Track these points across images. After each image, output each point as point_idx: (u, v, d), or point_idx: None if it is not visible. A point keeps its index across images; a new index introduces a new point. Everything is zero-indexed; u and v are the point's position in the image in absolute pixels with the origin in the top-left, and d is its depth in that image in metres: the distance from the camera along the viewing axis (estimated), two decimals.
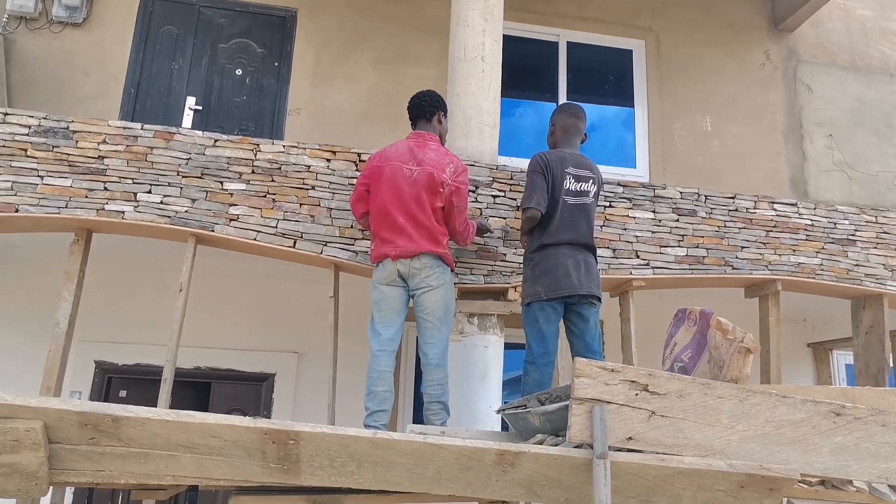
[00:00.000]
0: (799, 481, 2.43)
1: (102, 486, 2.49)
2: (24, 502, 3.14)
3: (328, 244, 3.62)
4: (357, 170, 3.75)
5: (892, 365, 4.46)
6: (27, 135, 3.47)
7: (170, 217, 3.50)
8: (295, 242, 3.59)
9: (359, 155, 3.78)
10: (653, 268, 3.97)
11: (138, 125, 3.59)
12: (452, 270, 3.40)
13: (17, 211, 3.36)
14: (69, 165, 3.46)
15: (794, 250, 4.25)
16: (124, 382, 5.14)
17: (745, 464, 2.27)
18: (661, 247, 4.01)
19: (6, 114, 3.50)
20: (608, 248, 3.94)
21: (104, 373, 5.11)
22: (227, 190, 3.59)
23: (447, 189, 3.30)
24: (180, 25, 6.07)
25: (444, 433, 2.66)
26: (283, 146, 3.71)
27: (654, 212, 4.06)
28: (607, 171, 5.02)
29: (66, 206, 3.41)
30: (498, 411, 2.93)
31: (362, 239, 3.67)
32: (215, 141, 3.64)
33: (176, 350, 3.46)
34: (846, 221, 4.40)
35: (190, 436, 2.09)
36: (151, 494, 2.67)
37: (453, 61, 4.17)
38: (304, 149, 3.73)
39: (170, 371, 3.42)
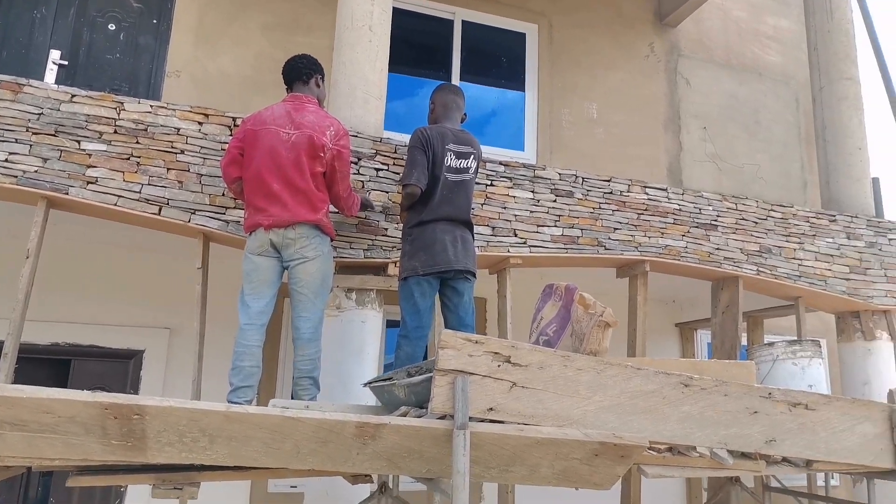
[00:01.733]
0: (648, 448, 2.57)
1: None
2: None
3: (197, 212, 3.43)
4: (231, 134, 3.57)
5: (743, 343, 4.81)
6: None
7: (16, 177, 3.19)
8: (160, 209, 3.37)
9: (234, 119, 3.60)
10: (530, 246, 4.05)
11: None
12: (332, 240, 3.31)
13: None
14: None
15: (662, 233, 4.48)
16: None
17: (598, 433, 2.36)
18: (538, 226, 4.10)
19: None
20: (488, 225, 3.99)
21: None
22: (84, 150, 3.31)
23: (328, 154, 3.18)
24: None
25: (308, 408, 2.60)
26: (151, 106, 3.46)
27: (533, 192, 4.14)
28: (497, 154, 5.09)
29: None
30: (365, 385, 2.90)
31: (234, 208, 3.50)
32: (72, 96, 3.34)
33: (20, 323, 3.17)
34: (710, 207, 4.68)
35: (18, 412, 1.92)
36: None
37: (340, 29, 4.05)
38: (174, 110, 3.50)
39: (12, 345, 3.13)
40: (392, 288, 3.67)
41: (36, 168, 3.22)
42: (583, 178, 4.34)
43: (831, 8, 5.75)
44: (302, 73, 3.39)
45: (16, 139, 3.23)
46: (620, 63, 7.18)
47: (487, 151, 4.05)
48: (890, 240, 5.24)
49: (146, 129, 3.43)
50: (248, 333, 3.05)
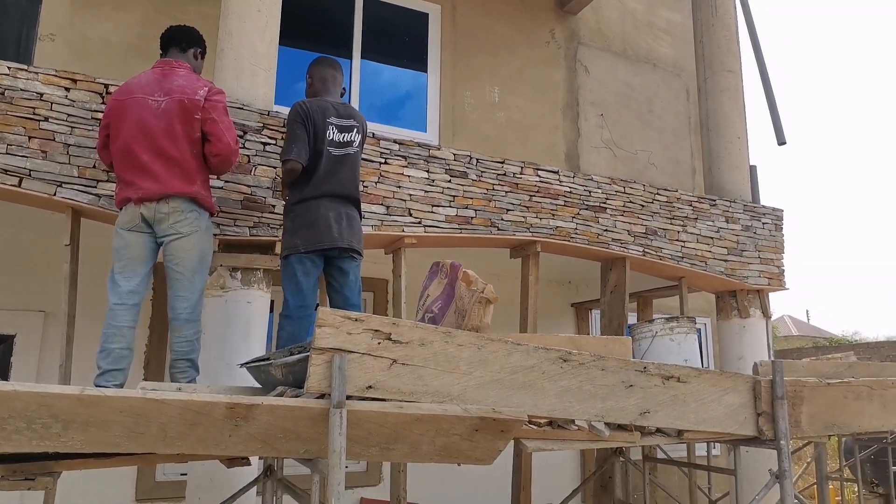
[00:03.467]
0: (528, 423, 2.62)
1: None
2: None
3: (63, 185, 3.18)
4: (103, 102, 3.33)
5: (629, 323, 5.01)
6: None
7: None
8: (21, 181, 3.10)
9: (106, 86, 3.36)
10: (424, 226, 4.04)
11: None
12: (212, 215, 3.15)
13: None
14: None
15: (553, 214, 4.58)
16: None
17: (478, 408, 2.38)
18: (433, 206, 4.10)
19: None
20: (382, 204, 3.94)
21: None
22: None
23: (203, 113, 2.99)
24: None
25: (180, 390, 2.48)
26: (9, 68, 3.17)
27: (428, 171, 4.13)
28: (398, 134, 5.03)
29: None
30: (241, 365, 2.80)
31: (107, 181, 3.28)
32: None
33: None
34: (599, 190, 4.83)
35: None
36: None
37: None
38: (37, 74, 3.22)
39: None
40: (279, 268, 3.57)
41: None
42: (477, 160, 4.37)
43: (716, 3, 6.04)
44: (181, 40, 3.23)
45: None
46: (522, 48, 7.27)
47: (387, 131, 4.00)
48: (764, 224, 5.60)
49: (3, 93, 3.14)
50: (118, 314, 2.86)
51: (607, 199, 4.85)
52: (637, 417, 2.83)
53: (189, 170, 2.98)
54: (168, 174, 2.93)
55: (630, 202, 4.95)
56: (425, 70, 6.78)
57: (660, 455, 5.47)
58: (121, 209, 2.99)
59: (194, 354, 2.97)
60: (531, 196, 4.51)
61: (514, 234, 4.39)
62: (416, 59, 6.82)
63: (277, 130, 3.66)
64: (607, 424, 2.81)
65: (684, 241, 5.17)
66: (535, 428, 2.67)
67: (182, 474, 4.82)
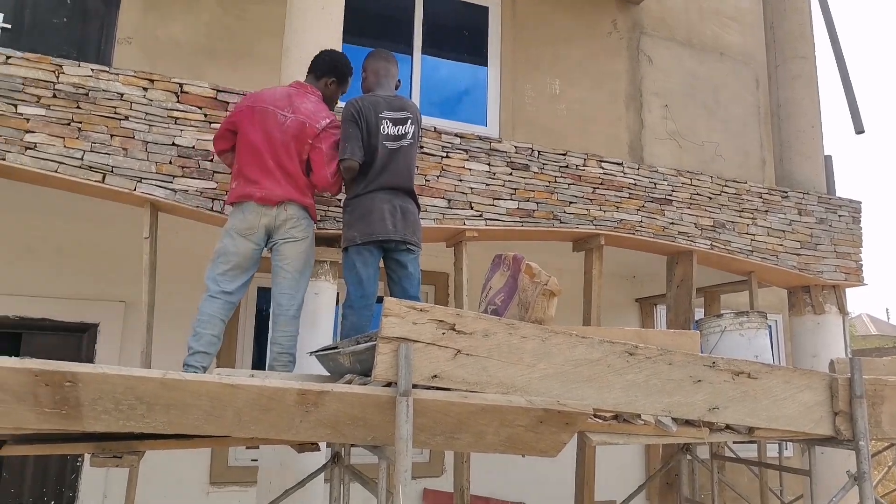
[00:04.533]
0: (593, 416, 2.60)
1: None
2: None
3: (143, 180, 3.34)
4: (178, 101, 3.47)
5: (696, 318, 4.90)
6: None
7: None
8: (104, 177, 3.27)
9: (180, 85, 3.50)
10: (485, 219, 4.05)
11: None
12: (315, 223, 3.34)
13: None
14: None
15: (617, 207, 4.51)
16: None
17: (543, 400, 2.38)
18: (494, 199, 4.10)
19: None
20: (443, 198, 3.97)
21: None
22: (21, 114, 3.18)
23: (316, 139, 3.22)
24: None
25: (253, 376, 2.57)
26: (92, 70, 3.34)
27: (489, 164, 4.13)
28: (459, 128, 5.05)
29: None
30: (311, 353, 2.88)
31: (183, 177, 3.42)
32: (7, 58, 3.20)
33: None
34: (665, 182, 4.72)
35: None
36: None
37: None
38: (118, 75, 3.39)
39: None
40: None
41: None
42: (539, 152, 4.34)
43: None
44: (318, 68, 3.44)
45: None
46: (583, 39, 7.17)
47: (448, 125, 4.02)
48: (840, 216, 5.36)
49: (87, 94, 3.31)
50: (215, 304, 3.03)
51: (673, 191, 4.74)
52: (705, 413, 2.77)
53: (301, 184, 3.20)
54: (286, 183, 3.13)
55: (697, 194, 4.82)
56: (485, 64, 6.78)
57: (728, 454, 5.32)
58: (234, 204, 3.15)
59: (295, 349, 3.13)
60: (595, 188, 4.46)
61: (577, 227, 4.35)
62: (476, 52, 6.83)
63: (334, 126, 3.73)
64: (674, 420, 2.75)
65: (754, 235, 5.00)
66: (601, 421, 2.64)
67: (253, 460, 4.99)
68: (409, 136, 3.32)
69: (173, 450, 2.65)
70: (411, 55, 6.40)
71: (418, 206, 3.37)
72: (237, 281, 3.09)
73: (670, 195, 4.73)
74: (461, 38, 6.85)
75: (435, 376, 2.28)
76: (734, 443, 5.36)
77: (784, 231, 5.12)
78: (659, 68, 7.58)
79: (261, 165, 3.13)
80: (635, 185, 4.61)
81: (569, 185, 4.37)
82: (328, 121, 3.28)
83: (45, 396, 1.98)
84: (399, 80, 3.54)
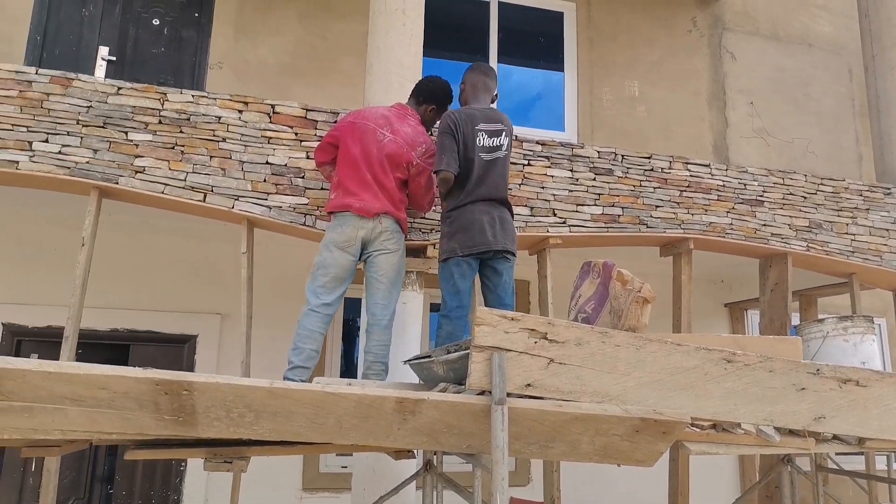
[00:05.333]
0: (691, 425, 2.54)
1: None
2: None
3: (240, 198, 3.52)
4: (271, 121, 3.64)
5: (794, 323, 4.69)
6: None
7: (69, 168, 3.33)
8: (205, 196, 3.47)
9: (272, 106, 3.67)
10: (569, 226, 4.02)
11: (32, 69, 3.37)
12: (405, 237, 3.45)
13: None
14: None
15: (706, 210, 4.38)
16: (34, 345, 4.93)
17: (639, 409, 2.35)
18: (577, 205, 4.07)
19: None
20: (526, 206, 3.97)
21: (13, 335, 4.89)
22: (132, 140, 3.43)
23: (413, 170, 3.36)
24: None
25: (349, 384, 2.65)
26: (193, 96, 3.56)
27: (571, 170, 4.11)
28: (537, 135, 5.05)
29: None
30: (405, 362, 2.94)
31: (277, 194, 3.58)
32: (118, 89, 3.46)
33: (79, 308, 3.32)
34: (755, 183, 4.55)
35: (75, 388, 2.01)
36: (42, 452, 2.57)
37: (374, 14, 4.07)
38: (215, 99, 3.59)
39: (72, 329, 3.28)
40: (431, 270, 3.70)
41: (87, 159, 3.36)
42: (622, 156, 4.28)
43: None
44: (420, 94, 3.56)
45: (67, 132, 3.37)
46: (661, 39, 7.02)
47: (526, 132, 4.03)
48: None
49: (189, 119, 3.52)
50: (314, 318, 3.15)
51: (764, 191, 4.56)
52: (811, 423, 2.65)
53: (396, 199, 3.33)
54: (383, 196, 3.27)
55: (790, 194, 4.63)
56: (561, 69, 6.74)
57: (831, 465, 5.05)
58: (331, 213, 3.29)
59: (388, 358, 3.23)
60: (681, 191, 4.35)
61: (665, 232, 4.25)
62: (551, 58, 6.80)
63: None
64: (777, 429, 2.65)
65: (854, 234, 4.75)
66: (699, 431, 2.58)
67: (343, 467, 5.13)
68: (504, 147, 3.37)
69: (269, 456, 2.77)
70: (487, 63, 6.43)
71: (512, 214, 3.40)
72: (335, 292, 3.22)
73: (761, 196, 4.56)
74: (536, 44, 6.84)
75: (528, 385, 2.29)
76: (836, 454, 5.08)
77: (888, 230, 4.83)
78: (743, 64, 7.32)
79: (359, 179, 3.25)
80: (724, 186, 4.47)
81: (654, 188, 4.29)
82: (423, 148, 3.40)
83: (164, 404, 2.11)
84: (496, 94, 3.60)
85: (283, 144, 3.64)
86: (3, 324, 4.83)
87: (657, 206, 4.28)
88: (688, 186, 4.39)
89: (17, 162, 3.26)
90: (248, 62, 5.83)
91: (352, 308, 5.35)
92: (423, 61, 4.24)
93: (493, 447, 2.15)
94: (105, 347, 4.96)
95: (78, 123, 3.37)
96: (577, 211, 4.06)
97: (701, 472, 5.29)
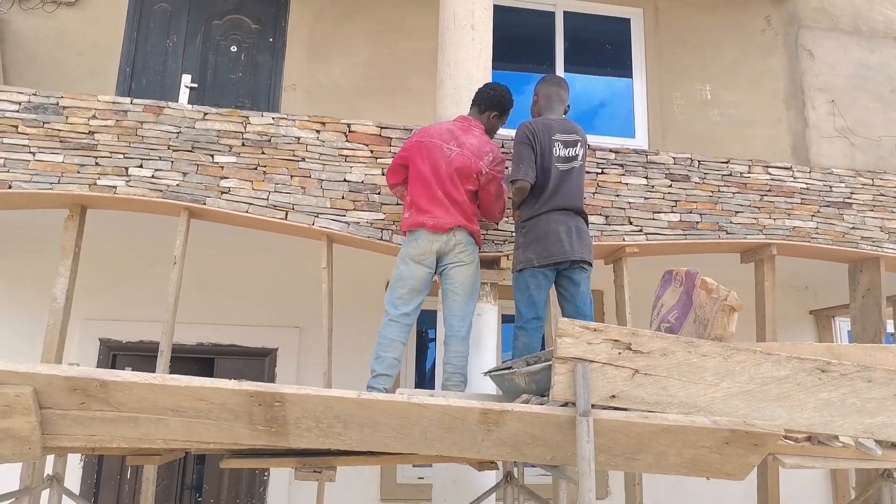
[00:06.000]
0: (784, 437, 2.45)
1: (97, 452, 2.54)
2: (27, 467, 3.21)
3: (320, 215, 3.63)
4: (347, 140, 3.76)
5: (889, 330, 4.45)
6: (17, 111, 3.48)
7: (162, 191, 3.52)
8: (287, 214, 3.60)
9: (348, 126, 3.78)
10: (646, 234, 3.96)
11: (127, 99, 3.60)
12: (479, 249, 3.48)
13: (9, 187, 3.39)
14: (60, 141, 3.48)
15: (788, 214, 4.23)
16: (129, 359, 5.20)
17: (729, 420, 2.29)
18: (653, 212, 4.00)
19: None
20: (600, 214, 3.93)
21: (109, 350, 5.18)
22: (217, 163, 3.60)
23: (483, 179, 3.39)
24: (173, 2, 6.04)
25: (432, 396, 2.68)
26: (273, 118, 3.71)
27: (646, 178, 4.04)
28: (607, 142, 5.00)
29: (58, 182, 3.43)
30: (485, 373, 2.95)
31: (355, 210, 3.68)
32: (205, 114, 3.65)
33: (172, 323, 3.50)
34: (842, 185, 4.36)
35: (177, 399, 2.12)
36: (147, 460, 2.71)
37: (443, 30, 4.14)
38: (294, 120, 3.73)
39: (166, 343, 3.46)
40: (505, 282, 3.71)
41: (177, 182, 3.55)
42: (699, 161, 4.19)
43: None
44: (481, 102, 3.59)
45: (159, 157, 3.57)
46: (733, 40, 6.84)
47: (597, 140, 4.00)
48: None
49: (270, 140, 3.67)
50: (394, 328, 3.23)
51: (852, 193, 4.36)
52: None
53: (467, 211, 3.36)
54: (455, 210, 3.31)
55: (881, 195, 4.40)
56: (630, 75, 6.66)
57: None
58: (408, 235, 3.37)
59: (467, 369, 3.26)
60: (762, 196, 4.21)
61: (746, 238, 4.13)
62: (619, 65, 6.73)
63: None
64: (878, 442, 2.52)
65: None
66: (792, 443, 2.48)
67: (419, 478, 5.17)
68: (580, 157, 3.38)
69: (349, 467, 2.83)
70: (554, 73, 6.42)
71: (588, 224, 3.38)
72: (412, 303, 3.29)
73: (849, 198, 4.36)
74: (603, 51, 6.78)
75: (613, 396, 2.27)
76: None
77: None
78: (822, 61, 7.02)
79: (431, 196, 3.31)
80: (808, 189, 4.30)
81: (733, 193, 4.17)
82: (491, 156, 3.42)
83: (258, 415, 2.20)
84: (568, 105, 3.60)
85: (360, 162, 3.74)
86: (100, 339, 5.12)
87: (737, 212, 4.16)
88: (769, 190, 4.25)
89: (115, 187, 3.48)
90: (320, 83, 6.02)
91: (425, 320, 5.41)
92: (493, 75, 4.27)
93: (578, 459, 2.13)
94: (192, 361, 5.19)
95: (168, 148, 3.57)
96: (653, 218, 3.99)
97: (791, 486, 5.06)
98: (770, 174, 4.28)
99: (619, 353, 2.28)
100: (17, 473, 3.55)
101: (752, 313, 4.31)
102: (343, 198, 3.68)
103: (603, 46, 6.81)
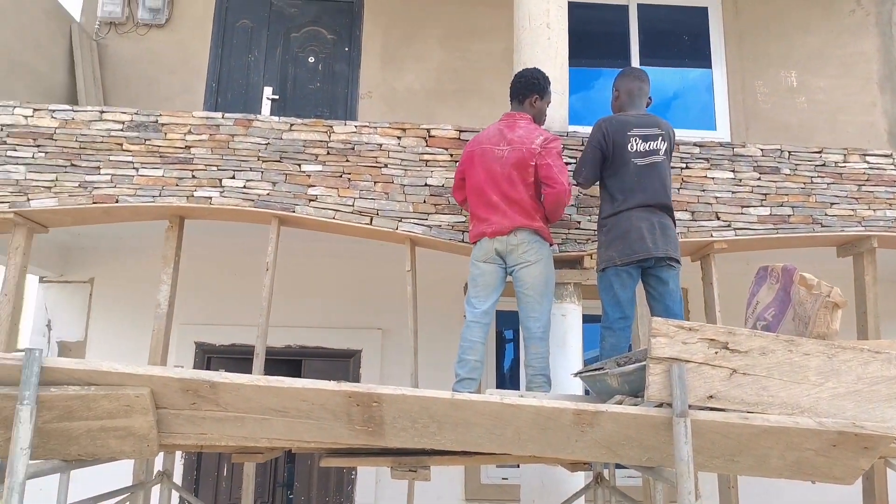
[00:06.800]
0: None
1: (205, 449, 2.68)
2: (139, 463, 3.42)
3: (403, 220, 3.71)
4: (427, 145, 3.82)
5: None
6: (122, 130, 3.72)
7: (253, 200, 3.68)
8: (371, 219, 3.70)
9: (428, 131, 3.84)
10: (734, 229, 3.83)
11: (219, 114, 3.78)
12: (551, 245, 3.45)
13: (117, 202, 3.63)
14: (160, 157, 3.70)
15: (890, 204, 4.00)
16: (222, 362, 5.45)
17: (836, 422, 2.20)
18: (742, 207, 3.87)
19: (102, 111, 3.77)
20: (686, 210, 3.84)
21: (204, 353, 5.44)
22: (304, 172, 3.73)
23: (538, 158, 3.29)
24: (254, 18, 6.29)
25: (521, 396, 2.69)
26: (356, 126, 3.81)
27: (733, 171, 3.91)
28: (688, 135, 4.87)
29: (159, 195, 3.65)
30: (575, 374, 2.94)
31: (436, 213, 3.74)
32: (291, 125, 3.79)
33: (266, 327, 3.65)
34: None
35: (281, 400, 2.22)
36: (250, 458, 2.85)
37: (518, 30, 4.14)
38: (376, 128, 3.82)
39: (261, 346, 3.61)
40: (588, 281, 3.68)
41: (268, 191, 3.70)
42: (789, 152, 4.02)
43: None
44: (518, 93, 3.58)
45: (250, 168, 3.73)
46: (820, 23, 6.52)
47: (679, 134, 3.89)
48: None
49: (353, 148, 3.78)
50: (473, 330, 3.27)
51: None
52: None
53: (528, 209, 3.32)
54: (513, 212, 3.29)
55: None
56: (709, 65, 6.46)
57: None
58: (474, 243, 3.41)
59: (548, 370, 3.25)
60: (859, 186, 4.01)
61: (843, 230, 3.93)
62: (697, 56, 6.54)
63: (577, 150, 3.81)
64: None
65: None
66: None
67: (504, 478, 5.19)
68: (662, 152, 3.30)
69: (438, 466, 2.87)
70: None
71: (674, 221, 3.31)
72: (488, 301, 3.33)
73: None
74: (680, 43, 6.61)
75: (710, 397, 2.22)
76: None
77: None
78: None
79: (486, 203, 3.33)
80: None
81: (828, 184, 3.98)
82: (542, 137, 3.36)
83: (356, 415, 2.27)
84: (650, 98, 3.54)
85: (440, 166, 3.79)
86: (195, 342, 5.39)
87: (832, 204, 3.97)
88: (867, 180, 4.03)
89: (211, 198, 3.66)
90: (394, 89, 6.13)
91: (500, 320, 5.42)
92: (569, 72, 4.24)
93: (676, 460, 2.10)
94: (280, 363, 5.39)
95: (258, 159, 3.73)
96: (742, 213, 3.86)
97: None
98: (868, 163, 4.07)
99: (716, 353, 2.23)
100: (125, 470, 3.78)
101: (850, 309, 4.10)
102: (424, 202, 3.74)
103: (679, 37, 6.64)
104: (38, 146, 3.67)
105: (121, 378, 2.18)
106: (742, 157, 3.96)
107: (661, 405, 2.22)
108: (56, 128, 3.70)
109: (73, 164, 3.67)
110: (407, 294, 3.71)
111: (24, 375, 2.04)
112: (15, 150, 3.65)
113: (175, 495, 3.73)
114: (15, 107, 3.72)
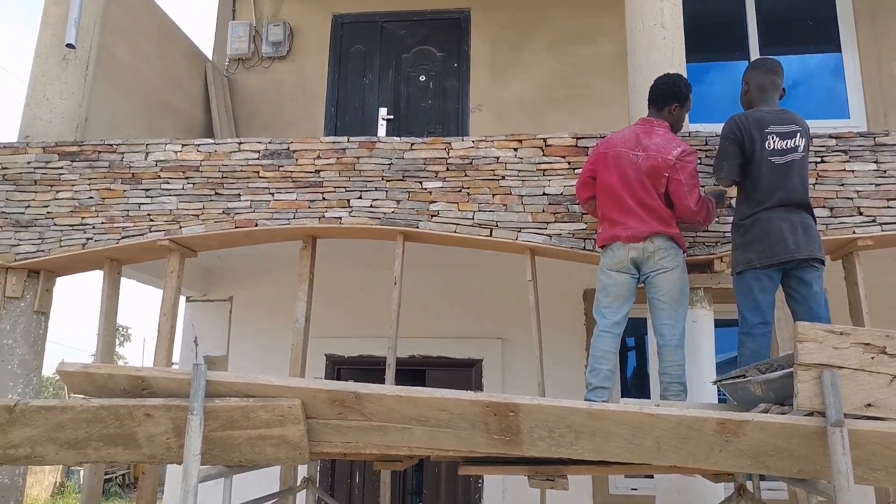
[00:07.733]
0: None
1: (348, 457, 2.83)
2: (287, 470, 3.65)
3: (522, 230, 3.74)
4: (544, 154, 3.84)
5: None
6: (258, 158, 4.01)
7: (379, 219, 3.85)
8: (491, 231, 3.76)
9: (544, 140, 3.86)
10: (880, 224, 3.56)
11: (345, 138, 3.99)
12: (685, 252, 3.37)
13: (256, 225, 3.91)
14: (293, 181, 3.95)
15: None
16: (351, 373, 5.70)
17: None
18: (888, 200, 3.59)
19: (240, 143, 4.08)
20: (823, 207, 3.60)
21: (334, 364, 5.72)
22: (426, 189, 3.86)
23: (671, 171, 3.23)
24: (367, 43, 6.58)
25: (657, 405, 2.65)
26: (473, 141, 3.90)
27: (876, 162, 3.64)
28: (818, 126, 4.59)
29: (294, 218, 3.90)
30: (714, 382, 2.84)
31: (554, 222, 3.74)
32: (412, 145, 3.93)
33: (395, 339, 3.80)
34: None
35: (421, 410, 2.31)
36: (389, 465, 2.97)
37: (631, 32, 4.08)
38: (492, 141, 3.89)
39: (392, 357, 3.76)
40: (719, 285, 3.55)
41: (392, 209, 3.86)
42: None
43: None
44: (657, 100, 3.49)
45: (375, 187, 3.91)
46: None
47: (814, 126, 3.67)
48: None
49: (471, 163, 3.87)
50: (605, 339, 3.23)
51: None
52: None
53: (664, 215, 3.26)
54: (649, 218, 3.24)
55: None
56: (838, 50, 6.05)
57: None
58: (603, 247, 3.38)
59: (685, 378, 3.17)
60: None
61: None
62: (823, 40, 6.15)
63: (700, 150, 3.68)
64: None
65: None
66: None
67: (633, 489, 5.07)
68: (801, 149, 3.15)
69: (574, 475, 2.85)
70: (748, 59, 6.02)
71: (815, 219, 3.14)
72: (620, 312, 3.26)
73: None
74: (804, 28, 6.23)
75: (869, 405, 2.09)
76: None
77: None
78: None
79: (621, 206, 3.27)
80: None
81: None
82: (680, 150, 3.28)
83: (493, 424, 2.32)
84: (784, 90, 3.36)
85: (558, 174, 3.80)
86: (325, 354, 5.68)
87: None
88: None
89: (340, 218, 3.87)
90: (504, 101, 6.20)
91: (631, 328, 5.30)
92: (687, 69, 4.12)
93: (834, 473, 2.00)
94: (404, 372, 5.54)
95: (383, 179, 3.90)
96: (888, 206, 3.58)
97: None
98: None
99: (873, 358, 2.11)
100: (270, 477, 4.03)
101: None
102: (543, 211, 3.76)
103: (802, 22, 6.26)
104: (187, 178, 4.03)
105: (275, 390, 2.35)
106: (886, 147, 3.67)
107: (811, 414, 2.12)
108: (201, 160, 4.05)
109: (216, 193, 4.00)
110: (529, 304, 3.73)
111: (193, 388, 2.25)
112: (168, 183, 4.03)
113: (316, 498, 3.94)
114: (167, 143, 4.11)
